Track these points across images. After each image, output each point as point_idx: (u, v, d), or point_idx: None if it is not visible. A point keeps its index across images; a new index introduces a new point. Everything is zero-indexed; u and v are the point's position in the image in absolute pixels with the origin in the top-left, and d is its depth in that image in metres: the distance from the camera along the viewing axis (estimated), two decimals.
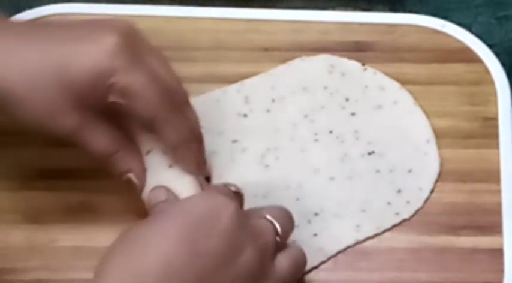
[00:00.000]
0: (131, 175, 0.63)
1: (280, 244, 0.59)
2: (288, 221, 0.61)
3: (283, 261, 0.59)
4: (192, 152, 0.63)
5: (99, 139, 0.61)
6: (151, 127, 0.62)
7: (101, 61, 0.59)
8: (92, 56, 0.59)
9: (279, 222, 0.59)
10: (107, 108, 0.61)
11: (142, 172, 0.63)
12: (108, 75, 0.59)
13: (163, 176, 0.62)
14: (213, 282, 0.55)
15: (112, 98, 0.60)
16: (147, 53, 0.61)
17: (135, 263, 0.54)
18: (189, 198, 0.59)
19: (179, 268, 0.54)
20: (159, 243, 0.54)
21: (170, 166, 0.63)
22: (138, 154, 0.63)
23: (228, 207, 0.56)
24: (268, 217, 0.59)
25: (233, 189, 0.60)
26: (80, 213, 0.66)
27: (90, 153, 0.62)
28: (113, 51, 0.59)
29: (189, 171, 0.62)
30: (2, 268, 0.64)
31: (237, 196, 0.60)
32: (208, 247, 0.55)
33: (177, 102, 0.62)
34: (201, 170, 0.64)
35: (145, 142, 0.63)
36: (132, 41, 0.60)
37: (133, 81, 0.59)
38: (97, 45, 0.59)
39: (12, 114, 0.60)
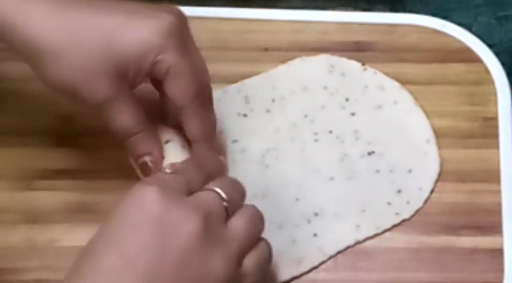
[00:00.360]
0: (148, 159, 0.62)
1: (233, 209, 0.57)
2: (233, 186, 0.59)
3: (236, 223, 0.57)
4: (211, 148, 0.63)
5: (127, 115, 0.61)
6: (175, 116, 0.62)
7: (154, 36, 0.60)
8: (146, 30, 0.60)
9: (222, 189, 0.57)
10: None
11: (160, 159, 0.63)
12: (158, 52, 0.60)
13: None
14: (162, 271, 0.53)
15: (154, 75, 0.61)
16: (192, 45, 0.62)
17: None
18: (119, 202, 0.57)
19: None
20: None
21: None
22: (159, 140, 0.63)
23: (145, 194, 0.54)
24: (210, 187, 0.57)
25: (168, 170, 0.59)
26: (80, 213, 0.66)
27: (113, 128, 0.62)
28: (167, 29, 0.60)
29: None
30: (2, 268, 0.64)
31: (178, 176, 0.58)
32: (137, 244, 0.53)
33: (206, 98, 0.63)
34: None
35: (165, 131, 0.64)
36: (184, 28, 0.62)
37: (179, 64, 0.60)
38: (154, 20, 0.60)
39: (49, 71, 0.60)
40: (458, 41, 0.74)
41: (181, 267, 0.53)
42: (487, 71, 0.72)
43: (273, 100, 0.71)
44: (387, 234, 0.66)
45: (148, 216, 0.54)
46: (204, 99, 0.62)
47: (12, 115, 0.70)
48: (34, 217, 0.66)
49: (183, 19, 0.62)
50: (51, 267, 0.64)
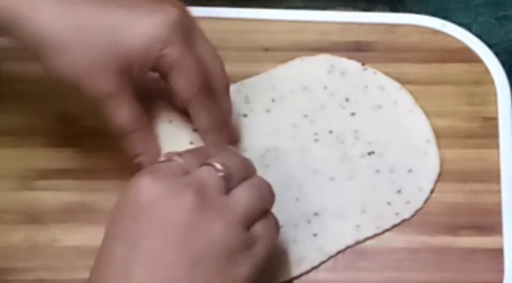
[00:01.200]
0: (143, 159, 0.63)
1: (233, 179, 0.57)
2: (231, 158, 0.59)
3: (238, 192, 0.57)
4: (222, 138, 0.64)
5: (125, 112, 0.62)
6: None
7: (159, 30, 0.60)
8: (151, 24, 0.60)
9: (218, 161, 0.57)
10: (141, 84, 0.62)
11: (156, 157, 0.63)
12: (163, 45, 0.60)
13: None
14: (168, 250, 0.53)
15: (159, 69, 0.61)
16: (199, 37, 0.63)
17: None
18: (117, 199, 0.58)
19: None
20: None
21: (191, 143, 0.64)
22: (155, 139, 0.64)
23: (138, 183, 0.55)
24: (205, 162, 0.57)
25: (161, 159, 0.59)
26: (80, 213, 0.66)
27: (111, 124, 0.62)
28: (173, 23, 0.60)
29: None
30: (3, 268, 0.64)
31: (171, 162, 0.58)
32: (136, 230, 0.54)
33: (214, 89, 0.63)
34: None
35: (168, 111, 0.64)
36: (189, 22, 0.62)
37: (184, 58, 0.61)
38: (158, 14, 0.61)
39: (53, 63, 0.60)
40: (458, 41, 0.74)
41: (185, 242, 0.53)
42: (487, 71, 0.72)
43: (273, 100, 0.71)
44: (387, 234, 0.66)
45: (143, 202, 0.54)
46: (209, 91, 0.63)
47: (12, 115, 0.70)
48: (34, 217, 0.66)
49: (187, 12, 0.62)
50: (52, 267, 0.64)
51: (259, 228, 0.57)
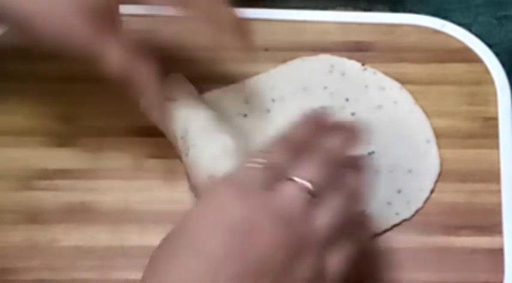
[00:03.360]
0: (150, 99, 0.64)
1: (320, 193, 0.54)
2: (321, 166, 0.55)
3: (320, 217, 0.53)
4: (224, 13, 0.64)
5: (113, 50, 0.61)
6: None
7: None
8: None
9: (306, 178, 0.53)
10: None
11: (160, 95, 0.64)
12: None
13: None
14: (248, 278, 0.51)
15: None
16: None
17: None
18: (193, 207, 0.54)
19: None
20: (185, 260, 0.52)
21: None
22: (153, 76, 0.63)
23: (223, 196, 0.52)
24: (292, 177, 0.54)
25: (248, 165, 0.55)
26: (80, 213, 0.66)
27: (105, 67, 0.62)
28: None
29: (228, 35, 0.64)
30: (3, 268, 0.64)
31: (256, 171, 0.54)
32: (222, 250, 0.51)
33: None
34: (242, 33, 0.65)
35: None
36: None
37: None
38: None
39: (31, 33, 0.61)
40: (458, 41, 0.74)
41: (265, 276, 0.51)
42: (487, 71, 0.72)
43: (273, 100, 0.71)
44: (387, 234, 0.66)
45: (228, 221, 0.51)
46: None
47: (12, 115, 0.70)
48: (34, 217, 0.66)
49: None
50: (52, 267, 0.64)
51: (335, 261, 0.54)
